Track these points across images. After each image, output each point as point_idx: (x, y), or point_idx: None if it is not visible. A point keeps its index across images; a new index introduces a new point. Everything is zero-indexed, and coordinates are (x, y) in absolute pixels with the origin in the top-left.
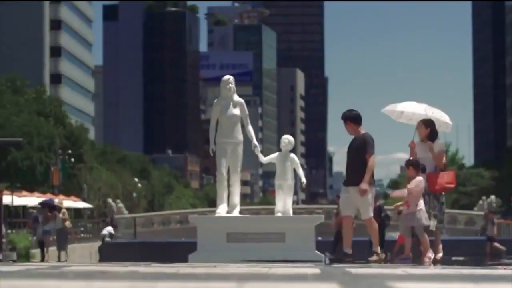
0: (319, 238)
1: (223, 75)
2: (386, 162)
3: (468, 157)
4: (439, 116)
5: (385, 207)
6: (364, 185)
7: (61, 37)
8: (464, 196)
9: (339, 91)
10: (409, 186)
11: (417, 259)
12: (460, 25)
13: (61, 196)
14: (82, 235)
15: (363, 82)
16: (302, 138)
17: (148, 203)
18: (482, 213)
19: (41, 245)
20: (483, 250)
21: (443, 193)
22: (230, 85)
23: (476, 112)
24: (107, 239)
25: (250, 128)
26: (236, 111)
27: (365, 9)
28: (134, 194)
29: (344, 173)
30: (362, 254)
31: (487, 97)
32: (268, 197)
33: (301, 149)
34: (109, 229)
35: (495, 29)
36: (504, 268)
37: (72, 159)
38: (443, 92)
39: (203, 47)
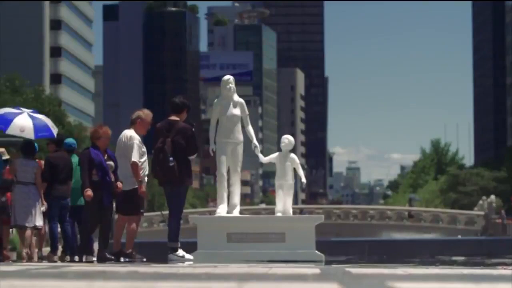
0: None
1: (223, 75)
2: (386, 163)
3: (468, 157)
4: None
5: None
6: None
7: (61, 37)
8: (464, 196)
9: (339, 91)
10: None
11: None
12: (460, 25)
13: None
14: None
15: (363, 82)
16: (302, 138)
17: (148, 203)
18: (482, 213)
19: None
20: (483, 250)
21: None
22: (230, 85)
23: (476, 111)
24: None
25: (250, 128)
26: (236, 111)
27: (365, 9)
28: None
29: (344, 173)
30: (361, 254)
31: (487, 97)
32: (269, 197)
33: (301, 149)
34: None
35: (495, 29)
36: (504, 268)
37: None
38: (443, 92)
39: (203, 47)
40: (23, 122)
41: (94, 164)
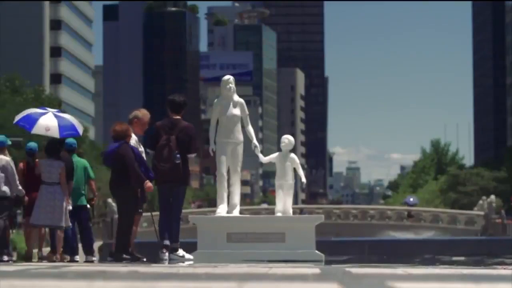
0: None
1: (223, 75)
2: (386, 163)
3: (468, 157)
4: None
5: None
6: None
7: (61, 37)
8: (464, 196)
9: (339, 91)
10: None
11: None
12: (460, 25)
13: None
14: None
15: (363, 82)
16: (302, 138)
17: (148, 203)
18: (482, 213)
19: None
20: (483, 250)
21: None
22: (230, 85)
23: (476, 111)
24: None
25: (250, 128)
26: (236, 111)
27: (365, 9)
28: None
29: (344, 173)
30: (361, 254)
31: (487, 97)
32: (269, 197)
33: (301, 149)
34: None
35: (495, 29)
36: (504, 268)
37: None
38: (443, 92)
39: (203, 47)
40: (48, 121)
41: (136, 159)
